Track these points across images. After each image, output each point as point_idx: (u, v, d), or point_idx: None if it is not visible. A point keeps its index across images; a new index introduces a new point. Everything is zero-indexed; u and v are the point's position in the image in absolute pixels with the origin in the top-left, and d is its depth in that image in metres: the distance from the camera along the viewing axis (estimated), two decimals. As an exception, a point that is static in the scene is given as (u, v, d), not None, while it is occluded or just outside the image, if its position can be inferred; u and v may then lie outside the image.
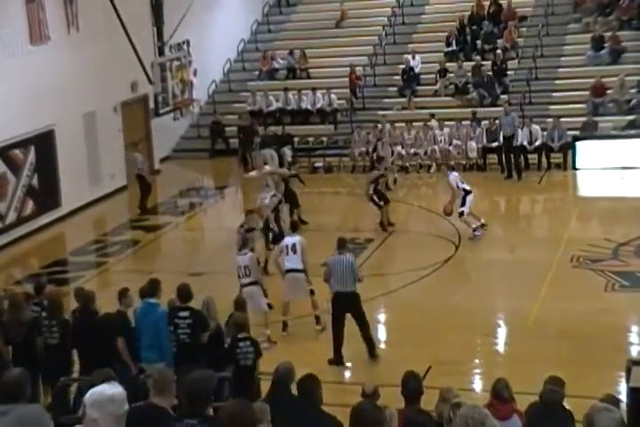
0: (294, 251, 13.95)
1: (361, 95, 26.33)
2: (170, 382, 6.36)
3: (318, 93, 26.14)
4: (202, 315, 10.76)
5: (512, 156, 22.26)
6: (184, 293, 10.89)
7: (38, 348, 10.82)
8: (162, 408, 6.26)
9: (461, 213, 17.55)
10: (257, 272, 13.65)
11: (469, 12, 27.73)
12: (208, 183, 25.73)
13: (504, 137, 22.48)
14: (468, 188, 17.78)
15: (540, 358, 12.04)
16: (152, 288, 10.99)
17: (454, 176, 17.89)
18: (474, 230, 17.54)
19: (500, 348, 13.40)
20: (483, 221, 17.77)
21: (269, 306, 13.62)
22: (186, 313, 10.65)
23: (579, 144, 22.43)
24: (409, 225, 19.45)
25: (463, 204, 17.61)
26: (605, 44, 25.36)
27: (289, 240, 14.20)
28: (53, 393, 10.58)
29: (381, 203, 18.39)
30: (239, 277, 13.46)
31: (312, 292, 13.82)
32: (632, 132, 22.60)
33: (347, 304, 12.61)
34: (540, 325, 13.44)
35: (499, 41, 26.73)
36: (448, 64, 26.16)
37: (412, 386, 7.56)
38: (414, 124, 24.10)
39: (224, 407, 5.67)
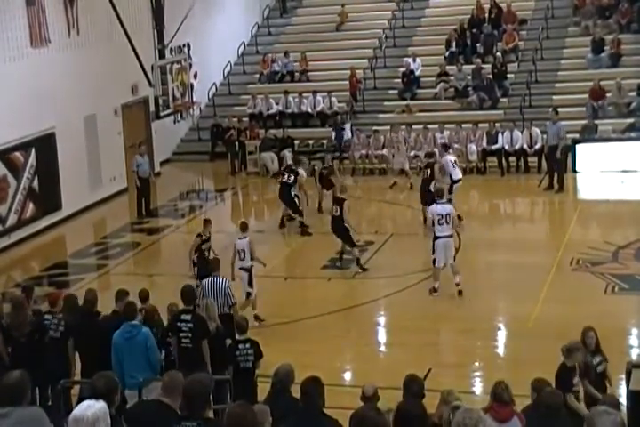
0: (448, 221, 14.94)
1: (361, 98, 26.36)
2: (179, 385, 6.44)
3: (319, 96, 26.16)
4: (203, 320, 10.64)
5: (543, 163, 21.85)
6: (188, 294, 10.79)
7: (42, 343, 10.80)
8: (169, 406, 6.38)
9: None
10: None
11: (469, 15, 27.73)
12: (208, 186, 25.74)
13: (547, 146, 21.39)
14: (458, 177, 18.77)
15: (540, 361, 12.00)
16: (131, 311, 10.48)
17: (449, 158, 18.99)
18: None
19: (500, 350, 13.42)
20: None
21: (249, 294, 14.16)
22: (188, 317, 10.54)
23: (578, 147, 22.42)
24: (409, 228, 19.40)
25: (450, 191, 18.02)
26: (605, 48, 25.40)
27: (441, 209, 14.99)
28: (53, 395, 10.57)
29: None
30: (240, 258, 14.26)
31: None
32: (632, 134, 22.61)
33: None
34: (539, 327, 13.44)
35: (499, 44, 26.78)
36: (448, 67, 26.18)
37: (414, 389, 7.55)
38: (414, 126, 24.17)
39: (225, 410, 5.69)
